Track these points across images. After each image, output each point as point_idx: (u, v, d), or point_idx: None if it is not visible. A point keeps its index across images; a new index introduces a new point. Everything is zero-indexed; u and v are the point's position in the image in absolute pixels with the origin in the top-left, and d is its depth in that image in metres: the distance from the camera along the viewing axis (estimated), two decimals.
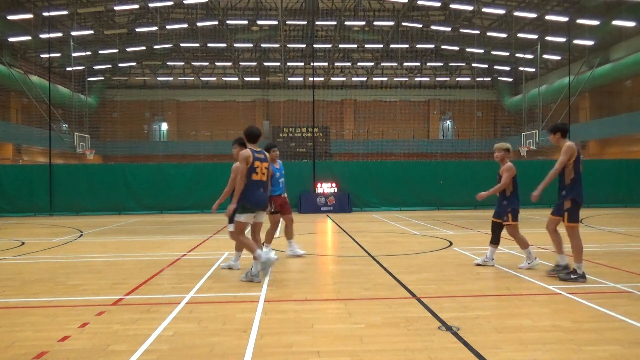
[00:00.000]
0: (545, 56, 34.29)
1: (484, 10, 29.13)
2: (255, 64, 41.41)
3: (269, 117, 44.10)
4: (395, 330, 4.27)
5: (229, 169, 22.15)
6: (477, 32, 32.18)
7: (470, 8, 28.57)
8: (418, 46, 36.93)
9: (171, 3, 27.97)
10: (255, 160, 6.23)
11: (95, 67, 38.21)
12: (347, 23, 32.25)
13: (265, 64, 41.10)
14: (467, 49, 35.85)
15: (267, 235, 7.91)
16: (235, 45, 35.45)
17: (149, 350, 3.81)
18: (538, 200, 6.49)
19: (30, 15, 27.38)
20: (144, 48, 35.80)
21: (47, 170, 18.62)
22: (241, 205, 6.15)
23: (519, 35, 31.64)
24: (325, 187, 19.23)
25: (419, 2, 28.56)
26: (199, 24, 31.67)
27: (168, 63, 39.89)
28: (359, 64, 42.11)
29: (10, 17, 26.77)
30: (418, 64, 41.38)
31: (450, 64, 40.86)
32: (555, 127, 6.56)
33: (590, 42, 29.93)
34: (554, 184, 6.75)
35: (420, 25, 32.80)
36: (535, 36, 31.33)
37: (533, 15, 28.66)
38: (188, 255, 8.55)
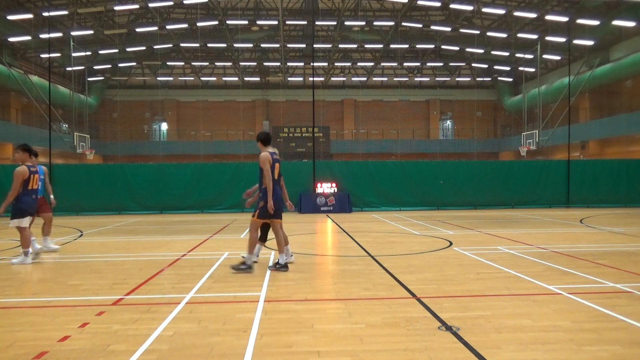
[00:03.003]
0: (545, 56, 34.27)
1: (484, 10, 29.12)
2: (255, 64, 41.42)
3: (269, 117, 44.10)
4: (395, 330, 4.27)
5: (229, 169, 22.04)
6: (477, 32, 32.17)
7: (470, 8, 28.56)
8: (418, 46, 36.91)
9: (171, 3, 27.96)
10: None
11: (95, 67, 38.20)
12: (347, 23, 32.24)
13: (265, 64, 41.10)
14: (467, 49, 35.85)
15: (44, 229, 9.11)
16: (235, 45, 35.45)
17: (149, 350, 3.81)
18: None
19: (30, 15, 27.38)
20: (144, 48, 35.79)
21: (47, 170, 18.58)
22: None
23: (519, 35, 31.63)
24: (325, 187, 19.23)
25: (419, 2, 28.55)
26: (199, 24, 31.66)
27: (168, 63, 39.89)
28: (359, 64, 42.11)
29: (10, 17, 26.76)
30: (418, 64, 41.37)
31: (450, 64, 40.85)
32: (257, 135, 7.21)
33: (590, 42, 29.92)
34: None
35: (420, 25, 32.79)
36: (535, 36, 31.32)
37: (533, 15, 28.65)
38: (188, 255, 8.55)
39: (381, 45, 36.45)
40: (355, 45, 37.03)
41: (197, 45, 35.36)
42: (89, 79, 37.51)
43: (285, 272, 6.90)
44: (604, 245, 9.37)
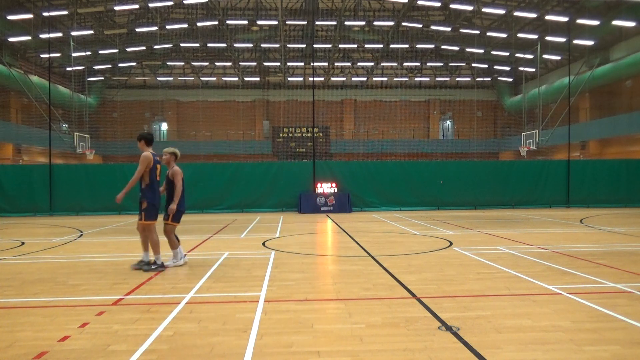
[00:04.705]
0: (545, 56, 34.27)
1: (484, 10, 29.11)
2: (255, 64, 41.41)
3: (269, 117, 44.10)
4: (395, 330, 4.27)
5: (229, 169, 22.11)
6: (477, 32, 32.16)
7: (470, 8, 28.55)
8: (418, 46, 36.90)
9: (171, 3, 27.95)
10: None
11: (95, 67, 38.19)
12: (347, 23, 32.23)
13: (265, 64, 41.09)
14: (467, 49, 35.83)
15: None
16: (235, 45, 35.45)
17: (149, 350, 3.81)
18: (121, 202, 7.18)
19: (30, 15, 27.37)
20: (144, 48, 35.78)
21: (47, 170, 18.62)
22: None
23: (519, 35, 31.63)
24: (325, 187, 19.23)
25: (419, 2, 28.54)
26: (199, 24, 31.65)
27: (168, 63, 39.87)
28: (359, 64, 42.10)
29: (10, 17, 26.76)
30: (418, 64, 41.36)
31: (450, 64, 40.84)
32: (140, 135, 7.24)
33: (590, 42, 29.92)
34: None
35: (420, 25, 32.78)
36: (535, 36, 31.31)
37: (533, 15, 28.65)
38: (188, 255, 8.54)
39: (381, 45, 36.44)
40: (355, 45, 37.02)
41: (197, 45, 35.35)
42: (89, 79, 37.51)
43: (163, 271, 7.04)
44: (604, 245, 9.37)
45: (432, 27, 32.64)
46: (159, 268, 7.08)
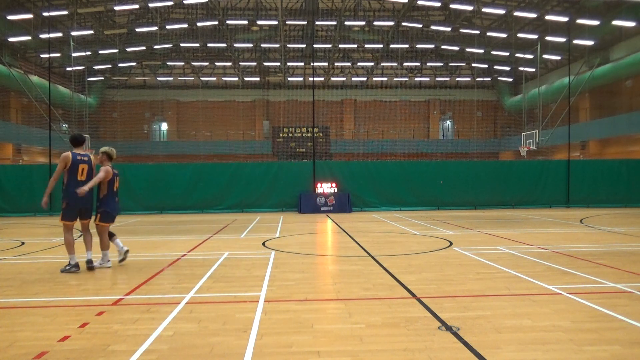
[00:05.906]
0: (545, 56, 34.28)
1: (484, 10, 29.11)
2: (255, 64, 41.41)
3: (269, 117, 44.10)
4: (395, 330, 4.27)
5: (229, 169, 22.11)
6: (477, 32, 32.17)
7: (470, 8, 28.56)
8: (418, 46, 36.92)
9: (171, 3, 27.96)
10: None
11: (95, 67, 38.19)
12: (347, 23, 32.24)
13: (265, 64, 41.10)
14: (467, 49, 35.85)
15: None
16: (235, 45, 35.46)
17: (149, 350, 3.81)
18: (47, 207, 7.14)
19: (30, 15, 27.37)
20: (144, 48, 35.79)
21: (47, 170, 18.61)
22: None
23: (519, 35, 31.64)
24: (325, 187, 19.23)
25: (419, 2, 28.55)
26: (199, 24, 31.66)
27: (168, 63, 39.88)
28: (359, 64, 42.11)
29: (10, 17, 26.76)
30: (418, 64, 41.37)
31: (450, 64, 40.85)
32: (70, 137, 7.41)
33: (590, 42, 29.93)
34: None
35: (420, 25, 32.79)
36: (535, 36, 31.32)
37: (533, 15, 28.66)
38: (188, 255, 8.55)
39: (381, 45, 36.45)
40: (355, 45, 37.03)
41: (197, 45, 35.36)
42: (89, 79, 37.50)
43: (77, 272, 7.01)
44: (604, 245, 9.37)
45: (432, 27, 32.64)
46: (72, 269, 6.99)
